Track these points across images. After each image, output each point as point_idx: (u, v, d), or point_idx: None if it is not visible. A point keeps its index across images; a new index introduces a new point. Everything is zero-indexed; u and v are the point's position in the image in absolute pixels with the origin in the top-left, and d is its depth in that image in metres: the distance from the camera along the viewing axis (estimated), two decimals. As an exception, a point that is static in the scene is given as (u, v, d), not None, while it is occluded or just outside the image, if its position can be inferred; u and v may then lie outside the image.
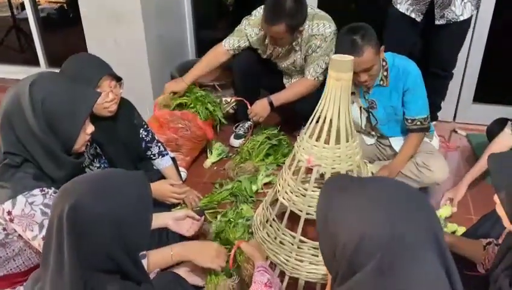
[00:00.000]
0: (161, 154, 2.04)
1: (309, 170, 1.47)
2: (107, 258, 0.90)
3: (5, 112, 1.24)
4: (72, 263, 0.87)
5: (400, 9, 2.41)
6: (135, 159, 1.95)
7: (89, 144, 1.72)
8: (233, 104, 2.76)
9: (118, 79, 1.74)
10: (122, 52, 2.68)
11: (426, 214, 0.78)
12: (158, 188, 1.84)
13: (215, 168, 2.47)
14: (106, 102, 1.69)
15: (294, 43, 2.38)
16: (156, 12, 2.76)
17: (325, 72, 2.41)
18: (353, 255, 0.75)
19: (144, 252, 1.38)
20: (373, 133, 2.28)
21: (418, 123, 2.09)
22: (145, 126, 2.01)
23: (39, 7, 3.94)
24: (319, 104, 1.45)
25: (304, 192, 1.47)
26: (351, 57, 1.39)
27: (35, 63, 3.77)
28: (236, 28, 2.50)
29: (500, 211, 0.98)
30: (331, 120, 1.41)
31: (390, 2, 2.46)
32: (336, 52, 1.90)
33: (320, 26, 2.34)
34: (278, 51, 2.46)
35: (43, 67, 3.76)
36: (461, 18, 2.35)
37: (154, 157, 2.03)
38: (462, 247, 1.42)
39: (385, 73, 2.05)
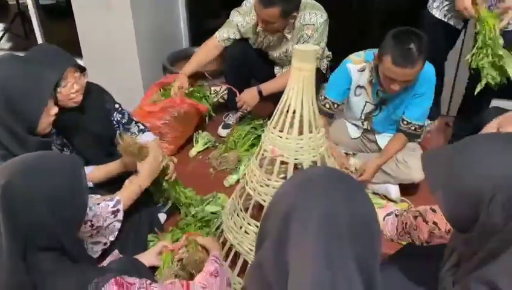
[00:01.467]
0: (142, 131, 2.01)
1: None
2: (43, 235, 0.93)
3: None
4: (9, 241, 0.90)
5: (436, 15, 2.21)
6: (109, 147, 1.96)
7: (55, 133, 1.75)
8: (223, 93, 2.77)
9: (82, 69, 1.76)
10: (111, 42, 2.70)
11: None
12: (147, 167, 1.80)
13: (200, 157, 2.49)
14: (72, 93, 1.71)
15: (285, 32, 2.36)
16: (146, 1, 2.75)
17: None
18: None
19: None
20: (365, 123, 2.23)
21: (412, 128, 2.05)
22: (119, 109, 1.99)
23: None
24: (283, 94, 1.44)
25: (267, 182, 1.47)
26: (314, 47, 1.38)
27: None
28: (227, 20, 2.50)
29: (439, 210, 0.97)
30: (294, 111, 1.41)
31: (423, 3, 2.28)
32: (382, 53, 1.82)
33: (312, 15, 2.31)
34: (269, 39, 2.44)
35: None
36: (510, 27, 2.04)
37: (135, 136, 1.99)
38: None
39: None
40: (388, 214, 1.34)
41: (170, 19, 3.15)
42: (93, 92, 1.89)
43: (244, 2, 2.46)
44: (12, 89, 1.27)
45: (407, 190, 2.13)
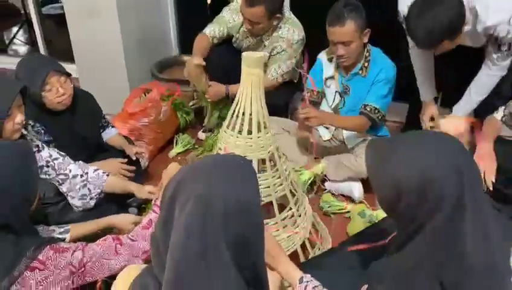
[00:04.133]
0: (105, 127, 2.21)
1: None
2: None
3: None
4: None
5: None
6: (92, 149, 2.10)
7: (43, 130, 1.91)
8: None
9: (68, 75, 1.90)
10: (100, 48, 2.86)
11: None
12: (109, 164, 1.98)
13: (179, 158, 2.62)
14: (57, 96, 1.86)
15: (264, 37, 2.48)
16: (134, 6, 2.88)
17: (285, 76, 2.52)
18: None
19: (68, 227, 1.54)
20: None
21: (368, 109, 2.16)
22: (104, 115, 2.20)
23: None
24: (236, 97, 1.57)
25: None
26: (261, 53, 1.51)
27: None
28: (216, 16, 2.59)
29: None
30: (243, 112, 1.53)
31: None
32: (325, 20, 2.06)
33: (290, 31, 2.44)
34: (249, 41, 2.56)
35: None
36: None
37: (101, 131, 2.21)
38: None
39: (366, 64, 2.16)
40: None
41: (159, 27, 3.29)
42: (83, 97, 2.06)
43: (236, 0, 2.54)
44: None
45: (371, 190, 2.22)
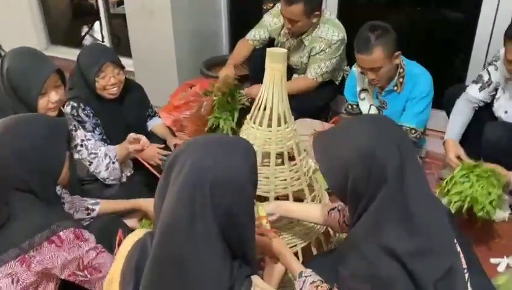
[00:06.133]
0: (151, 117, 2.36)
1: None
2: (15, 180, 1.19)
3: None
4: None
5: None
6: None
7: (93, 114, 2.09)
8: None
9: (122, 67, 2.07)
10: (153, 44, 3.05)
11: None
12: (149, 148, 2.06)
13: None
14: (108, 85, 2.02)
15: (304, 37, 2.53)
16: (187, 6, 3.04)
17: (324, 76, 2.54)
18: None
19: (98, 200, 1.68)
20: None
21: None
22: (151, 105, 2.37)
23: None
24: (260, 91, 1.63)
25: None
26: (283, 50, 1.56)
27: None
28: (259, 21, 2.71)
29: None
30: (265, 106, 1.59)
31: None
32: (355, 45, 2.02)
33: (329, 31, 2.47)
34: (290, 42, 2.62)
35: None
36: None
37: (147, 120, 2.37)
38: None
39: (400, 80, 2.11)
40: (332, 209, 1.47)
41: (211, 28, 3.43)
42: (133, 88, 2.23)
43: (277, 4, 2.65)
44: (12, 76, 1.57)
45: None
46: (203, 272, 0.86)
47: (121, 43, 4.28)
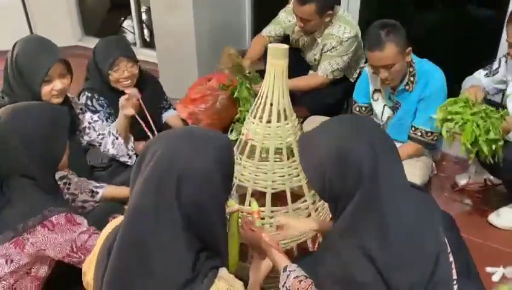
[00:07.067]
0: (166, 109, 2.44)
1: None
2: (15, 165, 1.26)
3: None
4: None
5: None
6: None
7: (107, 105, 2.16)
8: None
9: (136, 61, 2.13)
10: (175, 37, 3.11)
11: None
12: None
13: (230, 145, 2.75)
14: (121, 78, 2.09)
15: (316, 35, 2.51)
16: (209, 1, 3.08)
17: (335, 73, 2.51)
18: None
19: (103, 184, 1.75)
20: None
21: (419, 134, 2.09)
22: (166, 97, 2.45)
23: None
24: (261, 86, 1.63)
25: (239, 161, 1.68)
26: (285, 46, 1.55)
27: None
28: (274, 18, 2.73)
29: None
30: (266, 101, 1.60)
31: None
32: (364, 44, 2.00)
33: (341, 28, 2.44)
34: (303, 39, 2.62)
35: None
36: None
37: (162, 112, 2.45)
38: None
39: (412, 78, 2.07)
40: None
41: (234, 22, 3.47)
42: (149, 80, 2.31)
43: (292, 1, 2.63)
44: (20, 61, 1.65)
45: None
46: (165, 260, 0.88)
47: (152, 36, 4.41)
